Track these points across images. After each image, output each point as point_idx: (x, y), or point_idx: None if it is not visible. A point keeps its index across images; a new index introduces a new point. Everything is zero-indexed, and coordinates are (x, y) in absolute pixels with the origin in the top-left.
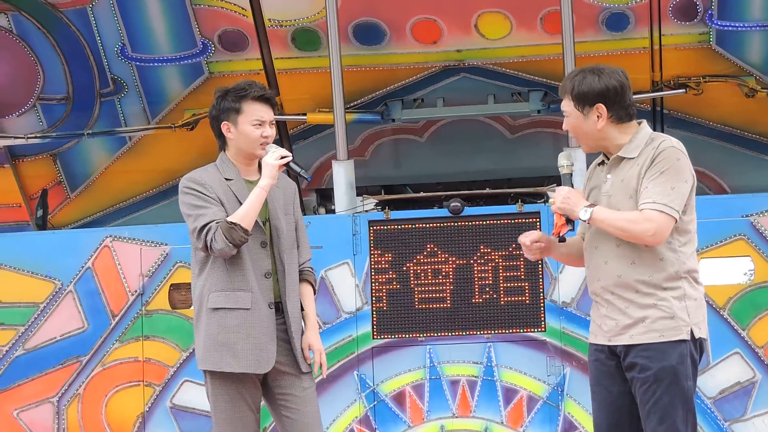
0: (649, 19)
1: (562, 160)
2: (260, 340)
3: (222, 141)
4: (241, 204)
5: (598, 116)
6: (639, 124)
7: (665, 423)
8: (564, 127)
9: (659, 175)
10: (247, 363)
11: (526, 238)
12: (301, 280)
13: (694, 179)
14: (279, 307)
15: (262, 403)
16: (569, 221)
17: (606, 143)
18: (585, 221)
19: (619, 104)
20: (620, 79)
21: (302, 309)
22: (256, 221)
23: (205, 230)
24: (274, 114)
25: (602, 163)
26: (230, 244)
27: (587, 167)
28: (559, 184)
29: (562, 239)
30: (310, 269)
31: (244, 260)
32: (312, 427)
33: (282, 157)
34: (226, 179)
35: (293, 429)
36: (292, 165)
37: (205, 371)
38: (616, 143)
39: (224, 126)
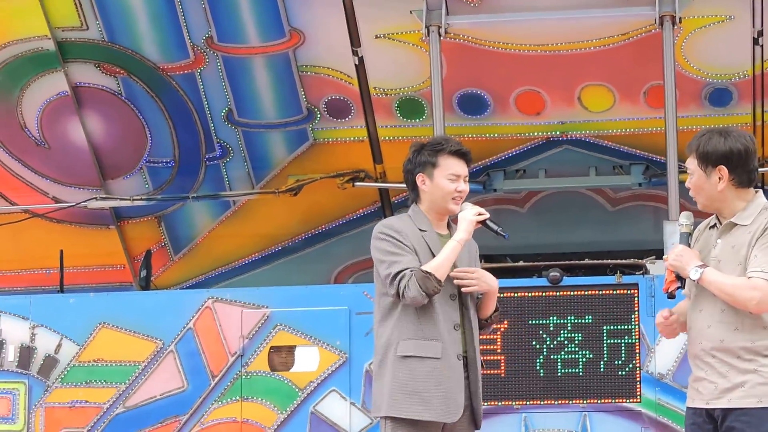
0: (752, 94)
1: (683, 219)
2: (450, 389)
3: (415, 194)
4: (433, 255)
5: (719, 178)
6: (756, 192)
7: None
8: (687, 184)
9: (766, 244)
10: (437, 412)
11: (661, 316)
12: None
13: None
14: (465, 361)
15: None
16: (679, 278)
17: (723, 206)
18: (694, 280)
19: (741, 168)
20: (746, 144)
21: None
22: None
23: (399, 277)
24: (468, 169)
25: (713, 226)
26: (423, 293)
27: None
28: (660, 257)
29: (671, 296)
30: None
31: (436, 311)
32: None
33: (479, 214)
34: (420, 230)
35: None
36: (489, 223)
37: (386, 418)
38: (732, 208)
39: (419, 178)
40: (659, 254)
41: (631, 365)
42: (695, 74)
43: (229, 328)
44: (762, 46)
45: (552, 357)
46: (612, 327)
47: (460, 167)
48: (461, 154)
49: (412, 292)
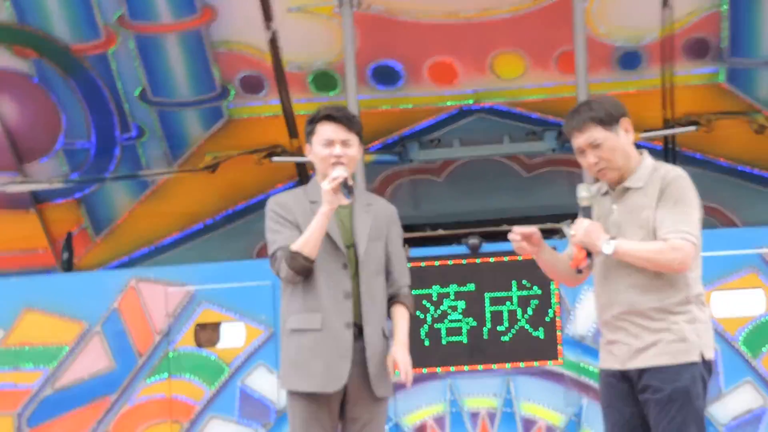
0: (661, 57)
1: (582, 192)
2: (331, 359)
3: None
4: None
5: (626, 129)
6: (641, 153)
7: None
8: (594, 159)
9: (674, 204)
10: (317, 382)
11: (516, 234)
12: (397, 302)
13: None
14: (358, 329)
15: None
16: (589, 254)
17: (629, 165)
18: (609, 254)
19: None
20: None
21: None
22: (337, 245)
23: (273, 258)
24: (354, 133)
25: (606, 193)
26: (293, 272)
27: None
28: (575, 219)
29: (579, 271)
30: (406, 293)
31: (318, 282)
32: None
33: (333, 180)
34: (311, 201)
35: None
36: (344, 186)
37: (287, 392)
38: (627, 170)
39: (306, 148)
40: (575, 218)
41: (552, 328)
42: (605, 38)
43: (154, 306)
44: (671, 8)
45: (474, 323)
46: (532, 291)
47: (332, 131)
48: (333, 119)
49: (283, 272)
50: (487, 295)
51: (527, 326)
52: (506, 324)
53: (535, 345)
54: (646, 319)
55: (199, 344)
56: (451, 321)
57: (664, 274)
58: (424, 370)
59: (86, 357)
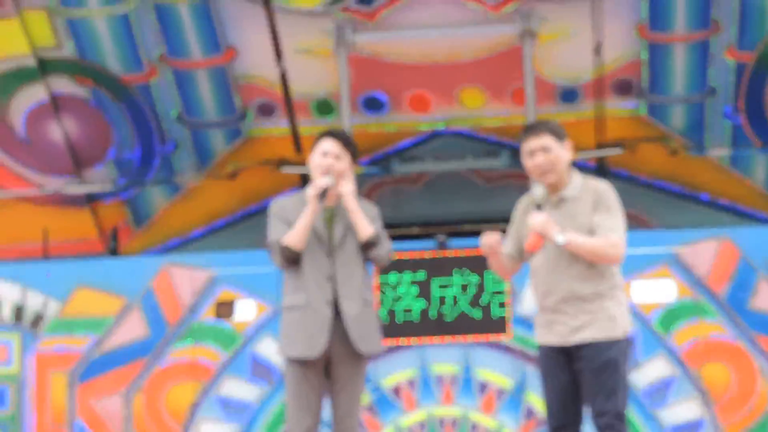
0: (594, 93)
1: (539, 190)
2: (312, 331)
3: None
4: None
5: (567, 149)
6: (570, 169)
7: (610, 400)
8: (543, 161)
9: (607, 211)
10: (301, 349)
11: (492, 240)
12: None
13: None
14: (337, 306)
15: None
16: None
17: (563, 178)
18: (561, 244)
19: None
20: None
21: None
22: (320, 236)
23: (269, 250)
24: (348, 152)
25: (538, 205)
26: (282, 261)
27: None
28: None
29: (533, 254)
30: (382, 242)
31: (306, 268)
32: (348, 404)
33: (316, 186)
34: (304, 204)
35: (334, 405)
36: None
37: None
38: (564, 182)
39: (309, 158)
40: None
41: (503, 308)
42: (549, 78)
43: (182, 286)
44: (601, 55)
45: (440, 304)
46: (487, 278)
47: (329, 146)
48: (333, 136)
49: (276, 261)
50: (456, 280)
51: (484, 306)
52: (467, 304)
53: (489, 322)
54: (584, 303)
55: (218, 317)
56: (422, 301)
57: (597, 266)
58: (401, 341)
59: (126, 326)
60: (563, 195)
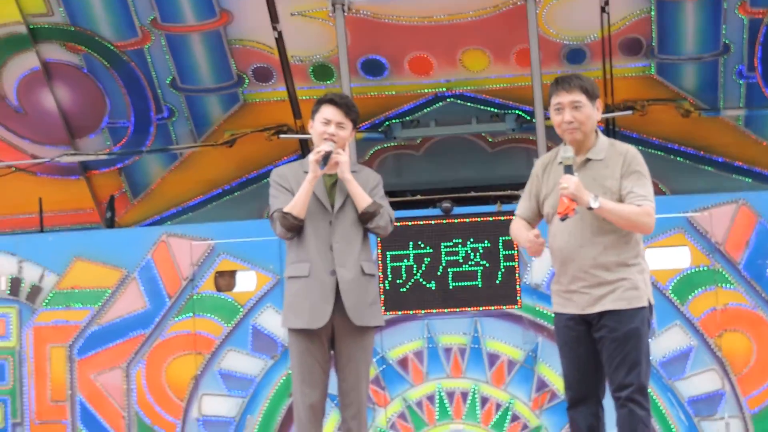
0: (601, 53)
1: (568, 152)
2: (315, 301)
3: None
4: (315, 194)
5: (597, 108)
6: (596, 131)
7: (632, 373)
8: (571, 117)
9: (638, 177)
10: (305, 320)
11: (533, 234)
12: None
13: None
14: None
15: None
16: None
17: (589, 139)
18: (593, 208)
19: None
20: None
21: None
22: (323, 205)
23: (271, 219)
24: (350, 119)
25: (561, 162)
26: (284, 229)
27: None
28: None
29: (564, 218)
30: (382, 207)
31: (308, 236)
32: (353, 377)
33: (317, 152)
34: (305, 171)
35: (339, 379)
36: (328, 156)
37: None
38: (589, 143)
39: (309, 124)
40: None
41: (512, 277)
42: (554, 37)
43: (181, 257)
44: (608, 13)
45: (447, 273)
46: (494, 246)
47: (331, 113)
48: (335, 103)
49: (277, 230)
50: (461, 248)
51: (492, 275)
52: (474, 272)
53: (497, 291)
54: (606, 271)
55: (218, 289)
56: (429, 270)
57: (625, 234)
58: (406, 312)
59: (125, 298)
60: (589, 156)
